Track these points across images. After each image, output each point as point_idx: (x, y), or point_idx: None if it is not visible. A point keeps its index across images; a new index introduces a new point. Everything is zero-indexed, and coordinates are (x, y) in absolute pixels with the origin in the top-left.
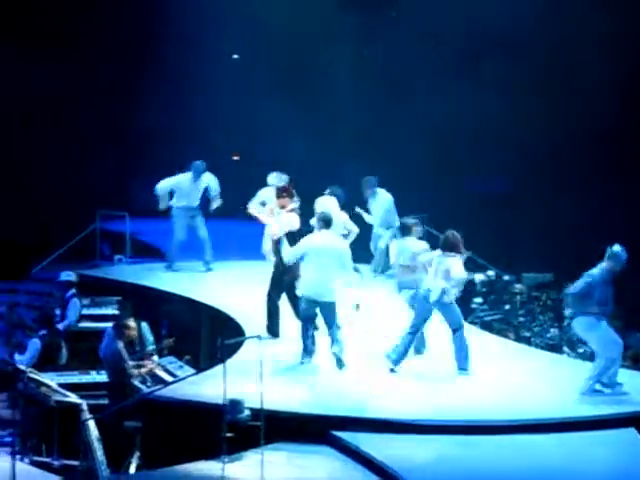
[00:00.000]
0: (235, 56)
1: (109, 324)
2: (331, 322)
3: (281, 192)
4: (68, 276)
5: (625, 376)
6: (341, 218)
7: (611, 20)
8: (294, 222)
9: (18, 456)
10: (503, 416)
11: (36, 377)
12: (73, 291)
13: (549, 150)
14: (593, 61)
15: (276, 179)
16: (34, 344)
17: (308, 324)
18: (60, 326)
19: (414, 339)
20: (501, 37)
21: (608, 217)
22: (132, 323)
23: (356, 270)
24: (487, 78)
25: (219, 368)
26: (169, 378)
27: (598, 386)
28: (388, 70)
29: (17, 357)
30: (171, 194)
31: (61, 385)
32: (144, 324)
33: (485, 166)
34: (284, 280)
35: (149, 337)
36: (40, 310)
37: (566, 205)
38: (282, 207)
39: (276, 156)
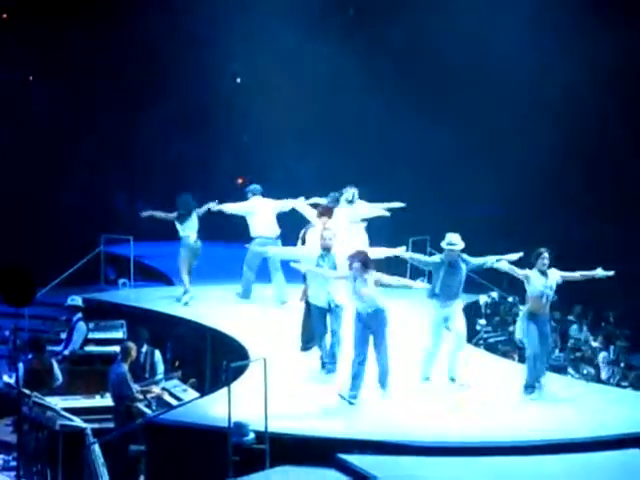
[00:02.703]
0: (238, 80)
1: (114, 348)
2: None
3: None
4: (74, 301)
5: (630, 397)
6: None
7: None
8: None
9: None
10: (507, 437)
11: (41, 401)
12: (79, 315)
13: (551, 171)
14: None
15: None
16: (18, 369)
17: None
18: (65, 350)
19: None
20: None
21: (609, 238)
22: (132, 344)
23: None
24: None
25: (224, 391)
26: (174, 402)
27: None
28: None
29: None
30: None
31: (66, 409)
32: (157, 352)
33: (485, 189)
34: None
35: (160, 366)
36: (32, 334)
37: (567, 227)
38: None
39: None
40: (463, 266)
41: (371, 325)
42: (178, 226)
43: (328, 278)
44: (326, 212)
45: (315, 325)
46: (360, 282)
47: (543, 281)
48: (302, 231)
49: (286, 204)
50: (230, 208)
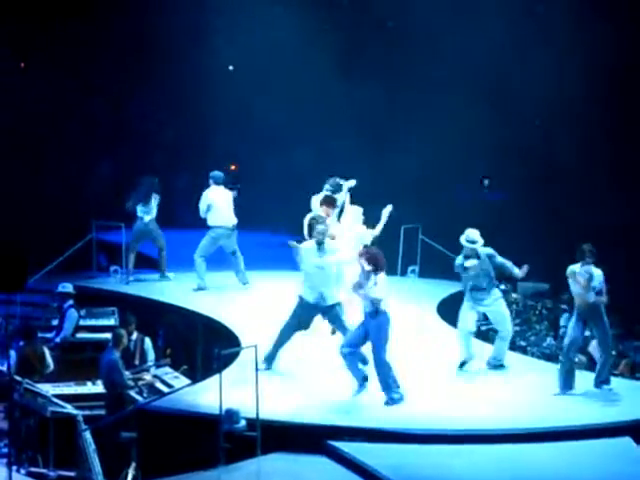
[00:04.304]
0: (230, 67)
1: (105, 335)
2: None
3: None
4: (65, 287)
5: (620, 385)
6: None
7: None
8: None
9: (14, 467)
10: (498, 425)
11: (32, 388)
12: (70, 302)
13: (545, 158)
14: None
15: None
16: (10, 356)
17: None
18: (56, 337)
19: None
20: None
21: (604, 226)
22: (123, 331)
23: None
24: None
25: (215, 378)
26: (165, 389)
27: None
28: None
29: None
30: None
31: (57, 396)
32: (147, 340)
33: (479, 175)
34: None
35: (150, 353)
36: (23, 321)
37: (562, 213)
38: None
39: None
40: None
41: (369, 324)
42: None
43: (325, 277)
44: (329, 202)
45: (291, 316)
46: (369, 282)
47: None
48: (306, 217)
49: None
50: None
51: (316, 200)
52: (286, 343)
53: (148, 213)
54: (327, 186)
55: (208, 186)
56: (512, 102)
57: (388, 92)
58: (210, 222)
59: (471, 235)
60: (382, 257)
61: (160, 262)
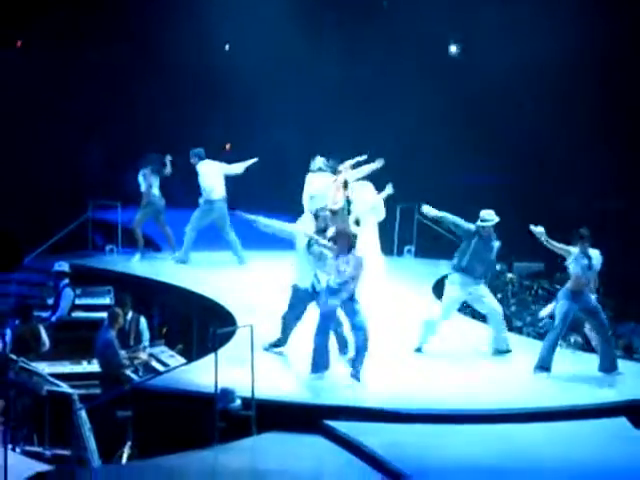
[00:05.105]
0: (227, 47)
1: (101, 314)
2: None
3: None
4: (60, 266)
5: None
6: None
7: None
8: None
9: (9, 445)
10: (493, 405)
11: (27, 367)
12: (66, 281)
13: (538, 139)
14: None
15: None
16: (6, 334)
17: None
18: (52, 316)
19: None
20: None
21: (599, 204)
22: (119, 310)
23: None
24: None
25: (211, 357)
26: (161, 368)
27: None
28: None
29: None
30: None
31: (52, 375)
32: (142, 319)
33: (473, 156)
34: None
35: (146, 333)
36: (19, 300)
37: (555, 194)
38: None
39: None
40: (496, 244)
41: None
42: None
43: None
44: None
45: (290, 307)
46: (342, 260)
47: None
48: (305, 194)
49: (230, 168)
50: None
51: (314, 178)
52: (294, 327)
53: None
54: (320, 164)
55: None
56: (503, 86)
57: (383, 72)
58: (207, 196)
59: (486, 215)
60: (345, 236)
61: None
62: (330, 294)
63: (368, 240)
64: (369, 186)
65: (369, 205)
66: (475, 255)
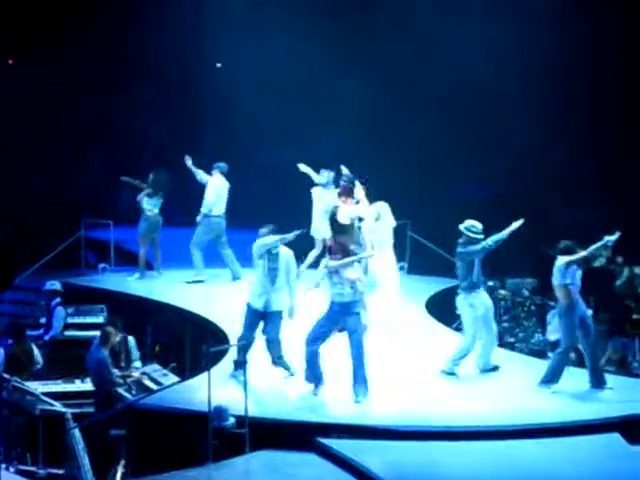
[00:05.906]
0: (218, 65)
1: (94, 332)
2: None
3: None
4: (52, 285)
5: (610, 381)
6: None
7: None
8: None
9: (3, 465)
10: (488, 422)
11: (21, 386)
12: (58, 300)
13: (533, 156)
14: None
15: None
16: None
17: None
18: (45, 335)
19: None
20: None
21: (592, 222)
22: (112, 329)
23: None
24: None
25: (204, 376)
26: (154, 386)
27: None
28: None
29: None
30: None
31: (46, 394)
32: (131, 339)
33: (466, 172)
34: None
35: (135, 352)
36: (12, 319)
37: (550, 210)
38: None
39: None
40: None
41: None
42: (145, 200)
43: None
44: (347, 192)
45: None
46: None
47: None
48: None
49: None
50: (201, 175)
51: (319, 192)
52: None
53: (156, 207)
54: (329, 178)
55: (196, 181)
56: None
57: (377, 88)
58: (212, 212)
59: (479, 226)
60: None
61: (157, 259)
62: (352, 308)
63: (389, 260)
64: (387, 206)
65: (391, 225)
66: (479, 270)
